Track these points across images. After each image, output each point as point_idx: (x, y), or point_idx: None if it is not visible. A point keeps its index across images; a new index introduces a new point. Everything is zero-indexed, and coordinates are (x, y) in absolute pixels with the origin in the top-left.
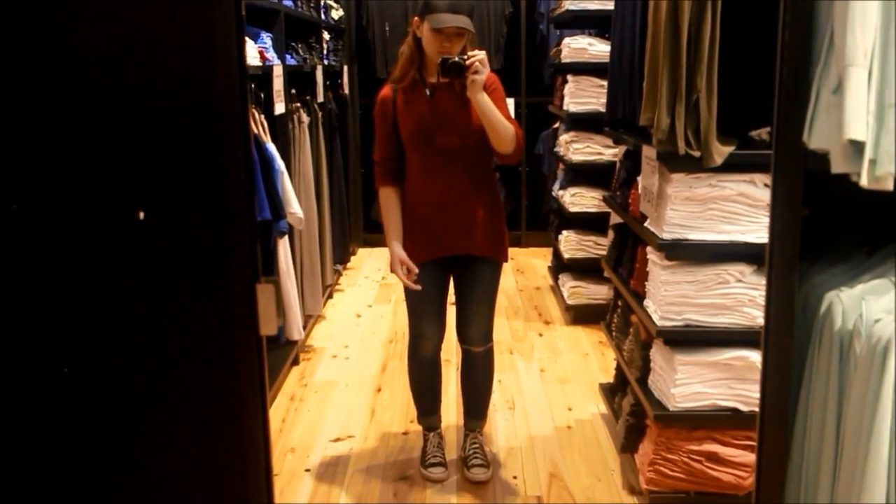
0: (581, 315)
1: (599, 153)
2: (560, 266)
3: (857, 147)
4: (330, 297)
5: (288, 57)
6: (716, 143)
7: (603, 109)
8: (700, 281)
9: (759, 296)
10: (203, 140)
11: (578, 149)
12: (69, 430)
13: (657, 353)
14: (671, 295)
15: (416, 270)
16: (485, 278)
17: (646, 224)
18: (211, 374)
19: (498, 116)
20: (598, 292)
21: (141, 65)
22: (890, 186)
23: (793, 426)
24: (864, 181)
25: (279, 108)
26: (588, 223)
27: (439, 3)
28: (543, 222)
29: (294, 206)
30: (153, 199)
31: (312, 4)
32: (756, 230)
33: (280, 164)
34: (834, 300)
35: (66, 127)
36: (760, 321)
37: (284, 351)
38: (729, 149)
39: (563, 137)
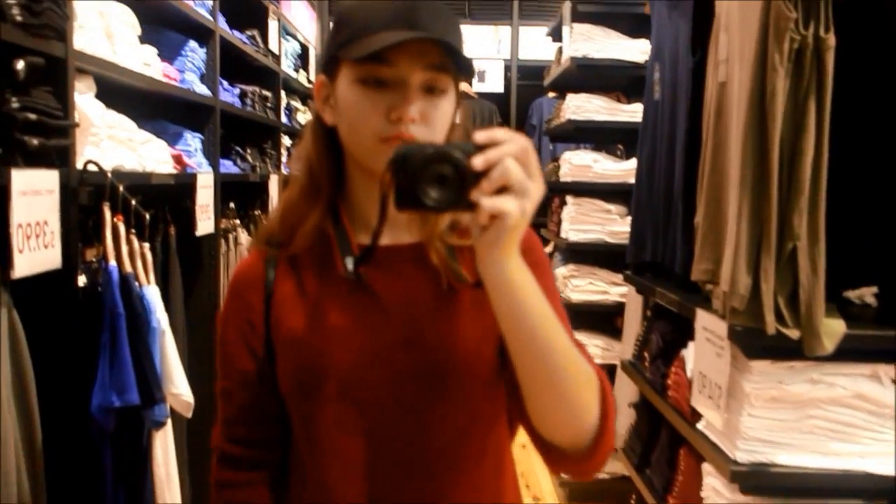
0: (579, 493)
1: (604, 291)
2: None
3: None
4: None
5: (229, 163)
6: (823, 318)
7: (609, 239)
8: None
9: None
10: None
11: (578, 286)
12: None
13: None
14: None
15: None
16: None
17: (702, 427)
18: None
19: (556, 331)
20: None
21: None
22: None
23: None
24: None
25: (204, 227)
26: None
27: (365, 13)
28: None
29: (179, 384)
30: None
31: (270, 105)
32: (879, 452)
33: (160, 319)
34: None
35: None
36: None
37: None
38: (842, 327)
39: (561, 271)
